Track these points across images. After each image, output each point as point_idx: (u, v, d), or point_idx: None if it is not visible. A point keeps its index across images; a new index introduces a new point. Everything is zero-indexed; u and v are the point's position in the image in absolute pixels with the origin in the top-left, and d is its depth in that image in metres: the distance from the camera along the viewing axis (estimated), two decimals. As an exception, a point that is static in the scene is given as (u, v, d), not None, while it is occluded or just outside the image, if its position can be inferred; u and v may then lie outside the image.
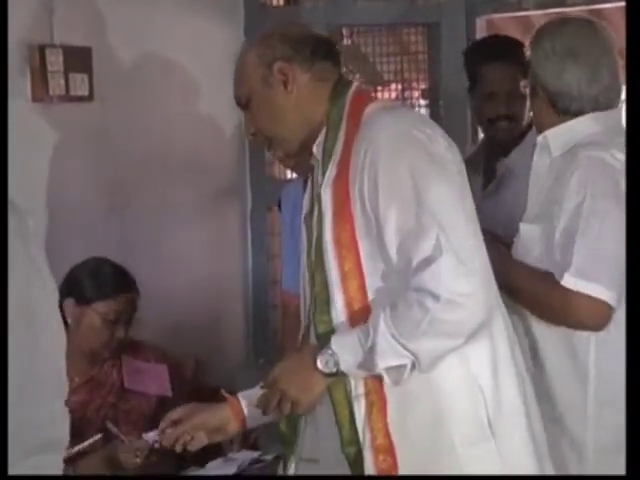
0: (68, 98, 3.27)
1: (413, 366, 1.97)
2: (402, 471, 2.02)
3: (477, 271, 1.96)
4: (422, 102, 4.14)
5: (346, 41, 4.25)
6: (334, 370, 2.00)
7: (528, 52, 2.40)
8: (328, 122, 2.11)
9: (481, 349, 2.04)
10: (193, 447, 2.32)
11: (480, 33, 3.89)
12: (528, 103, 3.02)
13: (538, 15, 4.13)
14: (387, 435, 2.02)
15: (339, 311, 2.05)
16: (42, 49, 3.18)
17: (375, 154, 2.00)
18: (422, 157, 2.01)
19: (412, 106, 4.13)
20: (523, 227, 2.35)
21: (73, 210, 3.34)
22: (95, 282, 2.84)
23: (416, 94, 4.23)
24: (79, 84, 3.31)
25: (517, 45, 3.09)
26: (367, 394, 2.04)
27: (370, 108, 2.10)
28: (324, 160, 2.09)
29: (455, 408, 2.02)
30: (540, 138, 2.39)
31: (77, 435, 2.66)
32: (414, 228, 1.96)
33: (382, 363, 1.96)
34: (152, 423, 2.55)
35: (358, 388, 2.04)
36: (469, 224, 2.02)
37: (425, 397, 2.03)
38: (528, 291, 2.28)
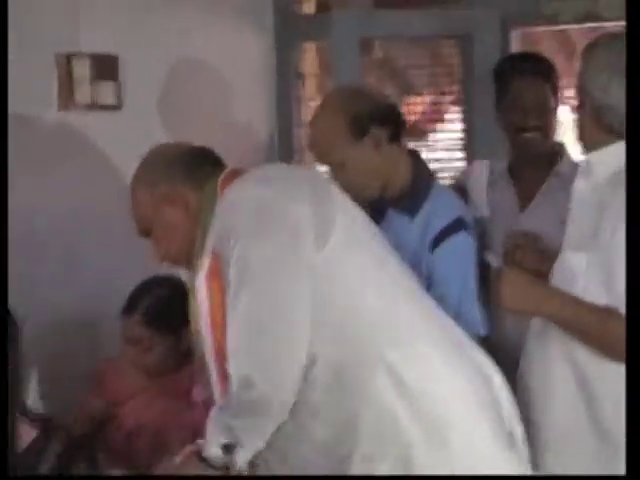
0: (95, 106, 3.25)
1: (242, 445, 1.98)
2: None
3: (273, 347, 1.96)
4: (455, 116, 4.08)
5: (378, 52, 4.20)
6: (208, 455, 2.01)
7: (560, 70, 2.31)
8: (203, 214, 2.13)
9: (412, 358, 2.03)
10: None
11: (515, 47, 3.84)
12: (558, 117, 3.02)
13: (574, 29, 4.07)
14: None
15: (216, 387, 2.11)
16: (69, 57, 3.17)
17: (219, 227, 2.04)
18: (250, 219, 2.01)
19: (443, 121, 4.07)
20: (566, 255, 2.29)
21: (101, 219, 3.30)
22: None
23: (448, 107, 4.18)
24: (106, 92, 3.29)
25: (547, 63, 3.10)
26: None
27: (232, 185, 2.10)
28: (197, 251, 2.12)
29: (401, 417, 2.00)
30: (583, 164, 2.32)
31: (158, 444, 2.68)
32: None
33: (209, 442, 1.98)
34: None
35: None
36: (293, 287, 1.98)
37: (372, 418, 2.01)
38: (596, 331, 2.20)
